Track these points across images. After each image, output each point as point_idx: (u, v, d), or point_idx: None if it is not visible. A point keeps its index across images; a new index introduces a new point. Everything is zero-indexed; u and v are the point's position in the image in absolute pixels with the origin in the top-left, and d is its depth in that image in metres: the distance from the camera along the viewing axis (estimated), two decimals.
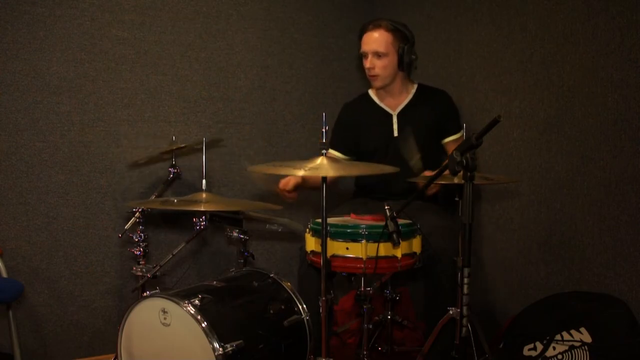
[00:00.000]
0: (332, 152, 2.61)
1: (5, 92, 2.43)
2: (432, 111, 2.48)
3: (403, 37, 2.39)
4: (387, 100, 2.54)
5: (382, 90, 2.51)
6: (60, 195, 2.54)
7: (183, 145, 2.44)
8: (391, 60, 2.39)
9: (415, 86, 2.54)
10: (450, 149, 2.47)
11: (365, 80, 2.67)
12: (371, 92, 2.60)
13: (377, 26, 2.38)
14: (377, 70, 2.40)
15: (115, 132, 2.63)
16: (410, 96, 2.51)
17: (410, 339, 2.58)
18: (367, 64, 2.41)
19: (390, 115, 2.51)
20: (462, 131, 2.45)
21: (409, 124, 2.48)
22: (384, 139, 2.51)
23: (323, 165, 1.78)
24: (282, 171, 1.88)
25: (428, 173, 2.28)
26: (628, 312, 1.91)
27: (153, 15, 2.68)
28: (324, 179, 1.78)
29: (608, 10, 2.02)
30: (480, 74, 2.57)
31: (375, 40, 2.37)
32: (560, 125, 2.21)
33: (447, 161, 1.59)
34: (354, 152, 2.62)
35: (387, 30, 2.37)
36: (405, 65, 2.40)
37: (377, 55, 2.38)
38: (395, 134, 2.50)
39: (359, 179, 2.69)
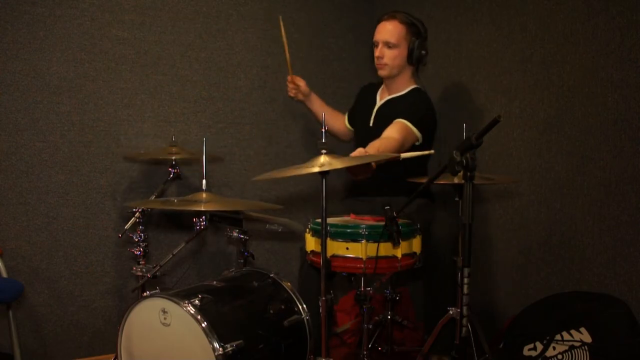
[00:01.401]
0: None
1: (5, 92, 2.43)
2: (404, 106, 2.43)
3: (416, 31, 2.40)
4: (384, 93, 2.56)
5: (387, 81, 2.53)
6: (60, 195, 2.54)
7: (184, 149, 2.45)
8: (401, 52, 2.40)
9: (411, 87, 2.52)
10: (391, 128, 2.31)
11: (367, 79, 2.68)
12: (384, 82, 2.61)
13: (392, 17, 2.40)
14: (385, 60, 2.41)
15: (115, 132, 2.63)
16: (399, 93, 2.51)
17: (410, 339, 2.58)
18: (377, 52, 2.43)
19: (374, 106, 2.55)
20: (408, 125, 2.31)
21: (383, 117, 2.45)
22: (363, 128, 2.55)
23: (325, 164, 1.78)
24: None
25: (357, 153, 2.08)
26: (628, 312, 1.91)
27: (153, 15, 2.68)
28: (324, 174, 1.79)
29: (608, 10, 2.02)
30: (480, 74, 2.56)
31: (388, 31, 2.39)
32: (560, 125, 2.21)
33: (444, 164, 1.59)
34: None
35: (401, 22, 2.39)
36: (415, 59, 2.41)
37: (388, 45, 2.40)
38: (371, 124, 2.52)
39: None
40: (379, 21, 2.44)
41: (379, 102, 2.54)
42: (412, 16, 2.42)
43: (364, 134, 2.49)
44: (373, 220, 2.10)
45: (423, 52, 2.41)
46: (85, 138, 2.57)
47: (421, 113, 2.40)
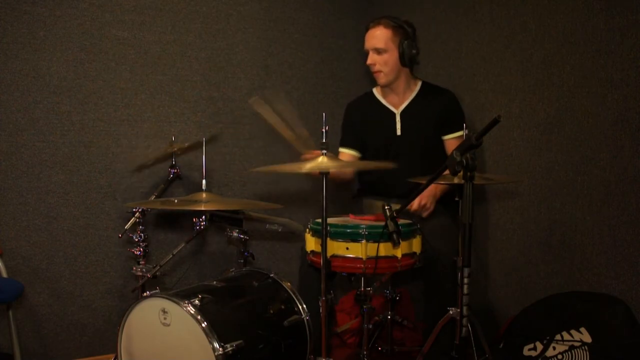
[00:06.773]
0: (344, 151, 2.61)
1: (5, 92, 2.43)
2: (435, 109, 2.47)
3: (403, 33, 2.40)
4: (391, 98, 2.54)
5: (386, 88, 2.52)
6: (60, 195, 2.54)
7: (185, 144, 2.44)
8: (392, 56, 2.40)
9: (419, 84, 2.53)
10: (450, 146, 2.47)
11: (366, 79, 2.68)
12: (375, 91, 2.60)
13: (377, 24, 2.42)
14: (378, 67, 2.42)
15: (115, 132, 2.63)
16: (413, 94, 2.51)
17: (410, 339, 2.58)
18: (368, 60, 2.44)
19: (394, 114, 2.51)
20: (463, 131, 2.46)
21: (412, 122, 2.48)
22: (386, 138, 2.51)
23: (324, 163, 1.79)
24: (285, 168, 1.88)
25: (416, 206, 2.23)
26: (628, 312, 1.92)
27: (153, 15, 2.68)
28: (325, 174, 1.80)
29: (608, 10, 2.02)
30: (480, 74, 2.57)
31: (375, 37, 2.40)
32: (560, 125, 2.21)
33: (445, 164, 1.59)
34: (364, 149, 2.63)
35: (387, 27, 2.39)
36: (407, 60, 2.40)
37: (377, 51, 2.40)
38: (398, 132, 2.50)
39: (362, 178, 2.69)
40: (366, 29, 2.46)
41: (397, 109, 2.51)
42: (398, 19, 2.43)
43: (390, 144, 2.50)
44: (373, 220, 2.10)
45: (414, 51, 2.41)
46: (85, 138, 2.57)
47: (461, 114, 2.48)
